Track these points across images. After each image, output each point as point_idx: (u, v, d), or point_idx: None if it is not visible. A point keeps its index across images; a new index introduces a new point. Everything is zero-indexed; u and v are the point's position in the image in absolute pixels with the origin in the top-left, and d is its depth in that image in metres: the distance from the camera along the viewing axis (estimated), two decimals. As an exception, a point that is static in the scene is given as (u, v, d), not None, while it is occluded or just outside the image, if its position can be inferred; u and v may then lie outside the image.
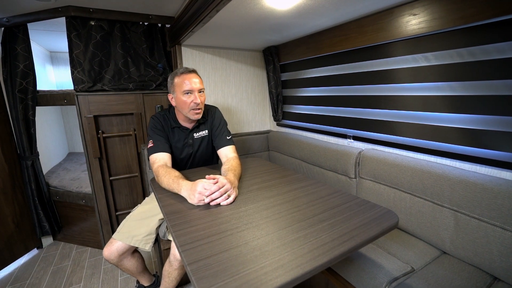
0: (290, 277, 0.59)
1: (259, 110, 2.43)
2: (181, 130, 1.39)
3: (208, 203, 0.94)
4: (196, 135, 1.41)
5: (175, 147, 1.38)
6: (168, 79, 1.34)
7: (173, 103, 1.34)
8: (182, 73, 1.28)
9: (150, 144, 1.29)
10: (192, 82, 1.26)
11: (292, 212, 0.90)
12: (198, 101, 1.26)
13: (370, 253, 1.15)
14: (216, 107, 1.50)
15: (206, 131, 1.43)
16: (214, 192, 0.95)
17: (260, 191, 1.09)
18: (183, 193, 1.00)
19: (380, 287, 1.01)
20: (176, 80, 1.28)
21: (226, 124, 1.46)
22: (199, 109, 1.29)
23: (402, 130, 1.41)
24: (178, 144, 1.39)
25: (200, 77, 1.31)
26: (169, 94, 1.34)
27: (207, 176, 1.00)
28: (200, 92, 1.29)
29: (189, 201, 0.97)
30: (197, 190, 0.95)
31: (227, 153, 1.36)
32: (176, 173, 1.11)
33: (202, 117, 1.39)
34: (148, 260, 1.95)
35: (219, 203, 0.95)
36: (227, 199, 0.96)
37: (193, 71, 1.30)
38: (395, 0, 1.17)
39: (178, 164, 1.44)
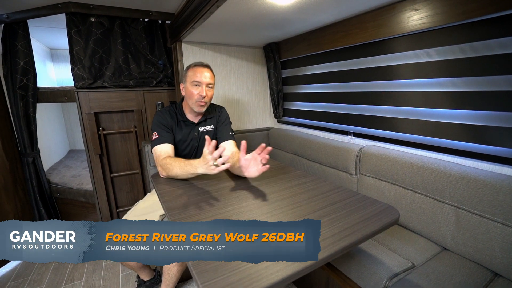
0: (290, 271, 0.60)
1: (260, 107, 2.42)
2: (187, 124, 1.41)
3: (220, 164, 0.94)
4: (201, 129, 1.43)
5: (180, 141, 1.40)
6: (184, 70, 1.40)
7: (183, 93, 1.39)
8: (195, 65, 1.34)
9: (155, 136, 1.31)
10: (203, 75, 1.31)
11: (293, 208, 0.90)
12: (204, 93, 1.30)
13: (371, 249, 1.15)
14: (223, 107, 1.54)
15: (212, 126, 1.46)
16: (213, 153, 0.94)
17: (261, 187, 1.10)
18: (200, 170, 1.01)
19: (381, 282, 1.01)
20: (189, 71, 1.34)
21: (231, 123, 1.50)
22: (204, 102, 1.33)
23: (403, 126, 1.40)
24: (183, 138, 1.41)
25: (213, 73, 1.36)
26: (181, 84, 1.40)
27: (206, 136, 0.99)
28: (208, 86, 1.32)
29: (210, 172, 0.98)
30: (207, 159, 0.95)
31: (228, 147, 1.38)
32: (183, 159, 1.17)
33: (209, 113, 1.45)
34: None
35: (224, 163, 0.94)
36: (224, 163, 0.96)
37: (207, 66, 1.36)
38: (397, -5, 1.16)
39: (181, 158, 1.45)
